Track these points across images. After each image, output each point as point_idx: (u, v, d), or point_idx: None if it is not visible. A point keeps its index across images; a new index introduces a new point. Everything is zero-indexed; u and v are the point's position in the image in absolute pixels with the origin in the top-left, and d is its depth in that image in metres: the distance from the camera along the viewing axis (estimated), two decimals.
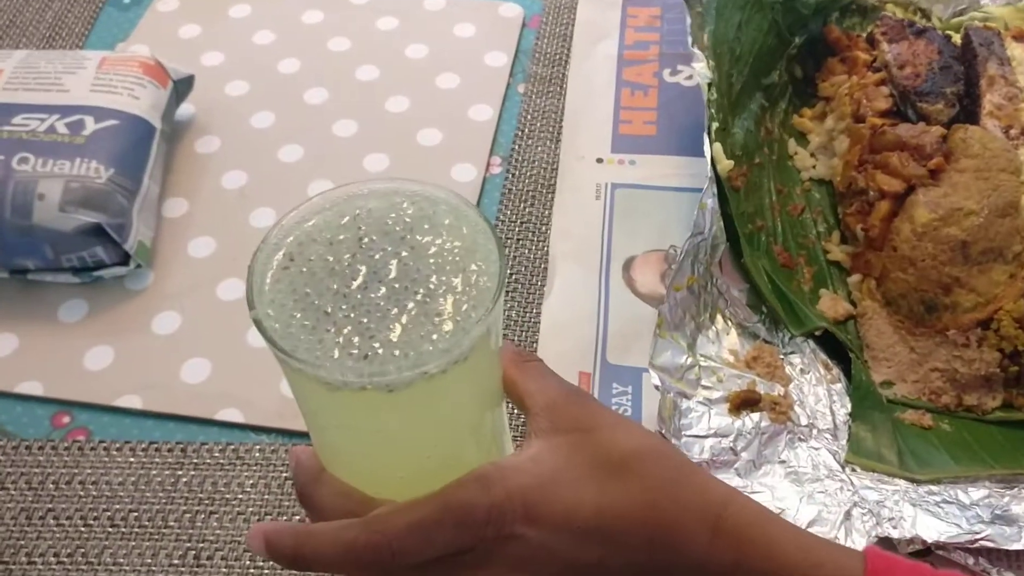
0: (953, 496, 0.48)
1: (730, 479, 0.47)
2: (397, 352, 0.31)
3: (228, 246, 0.60)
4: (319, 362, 0.31)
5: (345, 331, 0.32)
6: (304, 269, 0.34)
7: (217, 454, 0.50)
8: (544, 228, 0.61)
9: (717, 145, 0.56)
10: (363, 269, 0.34)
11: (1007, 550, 0.46)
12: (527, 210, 0.62)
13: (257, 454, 0.50)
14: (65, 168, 0.55)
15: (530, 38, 0.73)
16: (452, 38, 0.73)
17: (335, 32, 0.73)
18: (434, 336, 0.32)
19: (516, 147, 0.66)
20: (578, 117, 0.67)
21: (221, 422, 0.52)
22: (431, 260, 0.34)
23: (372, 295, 0.33)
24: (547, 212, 0.62)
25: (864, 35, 0.68)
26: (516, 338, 0.56)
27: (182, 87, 0.65)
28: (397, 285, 0.33)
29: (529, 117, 0.68)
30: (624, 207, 0.62)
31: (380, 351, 0.31)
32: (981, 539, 0.45)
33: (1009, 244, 0.54)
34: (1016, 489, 0.48)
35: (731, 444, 0.48)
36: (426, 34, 0.73)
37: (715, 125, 0.57)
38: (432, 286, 0.33)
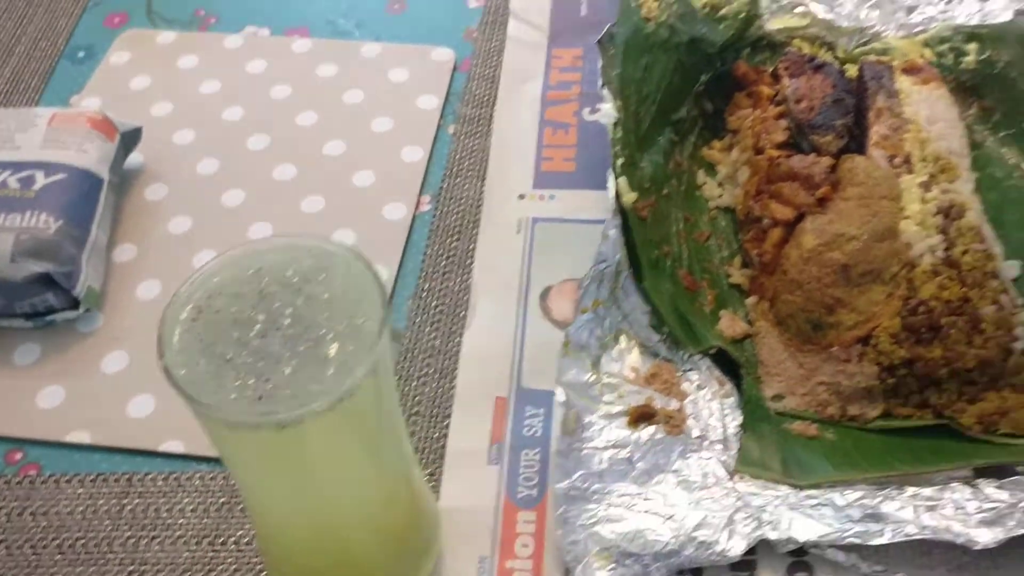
0: (829, 499, 0.52)
1: (627, 487, 0.52)
2: (287, 392, 0.36)
3: (174, 288, 0.62)
4: (218, 404, 0.36)
5: (243, 376, 0.37)
6: (210, 320, 0.38)
7: (160, 482, 0.55)
8: (468, 261, 0.66)
9: (622, 179, 0.61)
10: (262, 318, 0.38)
11: (876, 548, 0.51)
12: (453, 245, 0.67)
13: (197, 481, 0.55)
14: (16, 221, 0.60)
15: (461, 81, 0.78)
16: (387, 83, 0.78)
17: (277, 80, 0.78)
18: (320, 377, 0.36)
19: (445, 185, 0.71)
20: (503, 155, 0.72)
21: (164, 453, 0.56)
22: (323, 308, 0.38)
23: (269, 342, 0.38)
24: (472, 246, 0.66)
25: (770, 70, 0.73)
26: (438, 366, 0.60)
27: (130, 139, 0.70)
28: (291, 332, 0.38)
29: (458, 156, 0.72)
30: (544, 240, 0.67)
31: (273, 392, 0.36)
32: (848, 536, 0.50)
33: (887, 266, 0.58)
34: (887, 490, 0.52)
35: (628, 455, 0.53)
36: (362, 80, 0.78)
37: (620, 161, 0.62)
38: (322, 332, 0.38)
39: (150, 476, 0.55)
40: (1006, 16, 0.78)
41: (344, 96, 0.77)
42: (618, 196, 0.59)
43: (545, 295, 0.64)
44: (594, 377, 0.55)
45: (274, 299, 0.39)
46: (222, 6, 0.86)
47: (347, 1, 0.85)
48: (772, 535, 0.50)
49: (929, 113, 0.67)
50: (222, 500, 0.54)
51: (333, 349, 0.37)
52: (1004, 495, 0.52)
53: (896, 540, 0.50)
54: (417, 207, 0.69)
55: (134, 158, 0.71)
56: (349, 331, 0.38)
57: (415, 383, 0.60)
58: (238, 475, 0.43)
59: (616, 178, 0.60)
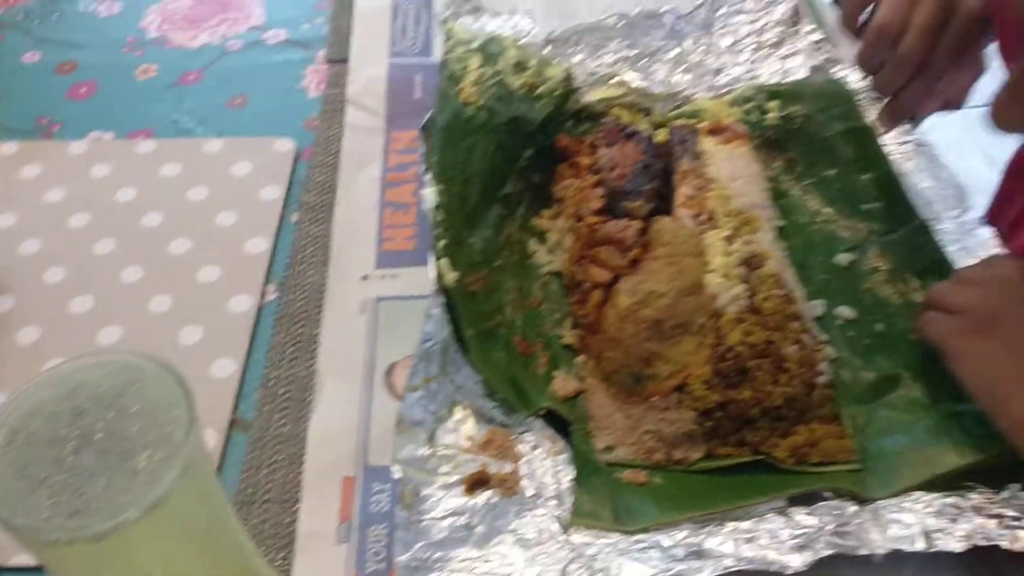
0: (656, 541, 0.56)
1: (467, 552, 0.54)
2: (100, 506, 0.38)
3: None
4: (32, 524, 0.38)
5: (58, 493, 0.38)
6: (25, 442, 0.40)
7: None
8: (314, 346, 0.68)
9: (443, 260, 0.64)
10: (76, 435, 0.40)
11: None
12: (299, 331, 0.69)
13: None
14: None
15: (303, 169, 0.81)
16: (230, 177, 0.80)
17: (122, 183, 0.80)
18: (131, 487, 0.39)
19: (289, 273, 0.73)
20: (345, 239, 0.75)
21: (14, 567, 0.57)
22: (134, 420, 0.41)
23: (83, 458, 0.40)
24: (317, 331, 0.69)
25: (590, 140, 0.78)
26: (288, 452, 0.62)
27: None
28: (104, 446, 0.40)
29: (302, 244, 0.75)
30: (387, 318, 0.70)
31: (87, 506, 0.38)
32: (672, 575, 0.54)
33: (695, 318, 0.63)
34: (710, 527, 0.57)
35: (466, 521, 0.56)
36: (206, 176, 0.80)
37: (442, 243, 0.65)
38: (133, 443, 0.40)
39: None
40: (804, 73, 0.86)
41: (188, 193, 0.79)
42: (440, 276, 0.63)
43: (390, 372, 0.67)
44: (430, 451, 0.58)
45: (87, 415, 0.41)
46: (66, 113, 0.88)
47: (189, 99, 0.88)
48: None
49: (731, 171, 0.73)
50: None
51: (143, 459, 0.39)
52: (813, 520, 0.57)
53: (716, 574, 0.54)
54: (263, 297, 0.72)
55: None
56: (159, 440, 0.40)
57: (265, 471, 0.62)
58: None
59: (437, 260, 0.63)
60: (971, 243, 0.71)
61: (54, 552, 0.39)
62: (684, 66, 0.87)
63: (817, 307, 0.70)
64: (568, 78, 0.78)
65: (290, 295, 0.72)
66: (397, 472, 0.56)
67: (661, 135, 0.77)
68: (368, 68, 0.89)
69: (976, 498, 0.58)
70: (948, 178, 0.75)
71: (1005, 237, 0.69)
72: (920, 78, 0.71)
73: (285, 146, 0.83)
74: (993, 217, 0.75)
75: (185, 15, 0.96)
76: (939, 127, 0.80)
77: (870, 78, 0.75)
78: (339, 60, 0.92)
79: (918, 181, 0.76)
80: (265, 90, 0.89)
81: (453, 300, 0.64)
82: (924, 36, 0.68)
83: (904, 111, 0.75)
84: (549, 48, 0.85)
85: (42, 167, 0.82)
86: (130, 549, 0.40)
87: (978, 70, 0.73)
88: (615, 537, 0.56)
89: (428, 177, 0.67)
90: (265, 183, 0.80)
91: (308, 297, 0.72)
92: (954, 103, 0.75)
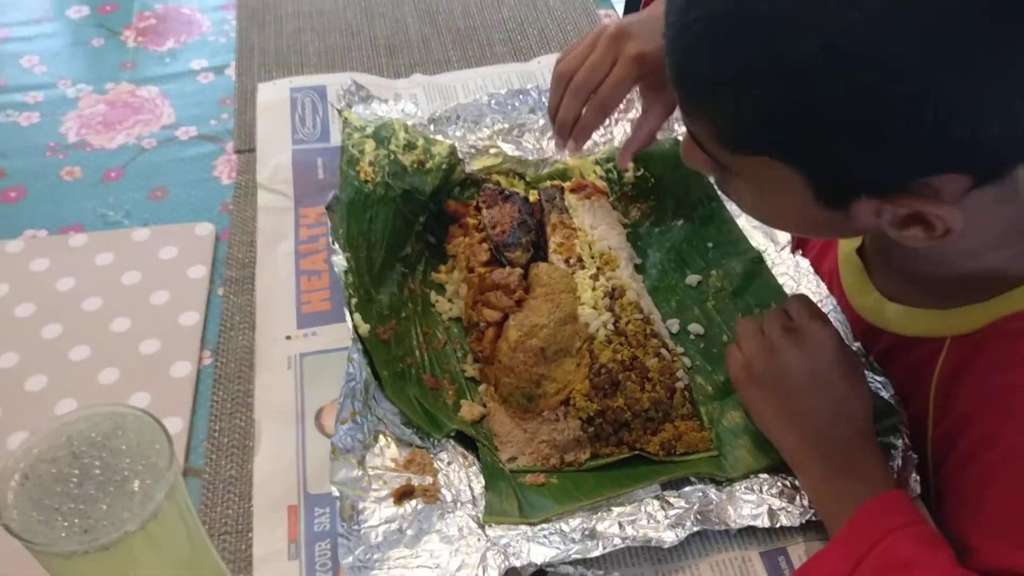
0: (557, 528, 0.68)
1: (400, 551, 0.65)
2: (106, 522, 0.48)
3: None
4: (53, 543, 0.47)
5: (70, 517, 0.48)
6: (35, 482, 0.50)
7: None
8: (250, 400, 0.78)
9: (357, 315, 0.76)
10: (77, 472, 0.50)
11: (596, 558, 0.67)
12: (236, 388, 0.80)
13: None
14: None
15: (223, 249, 0.92)
16: (159, 261, 0.90)
17: (61, 274, 0.89)
18: (130, 506, 0.49)
19: (221, 339, 0.84)
20: (268, 306, 0.86)
21: None
22: (124, 456, 0.51)
23: (86, 489, 0.50)
24: (251, 387, 0.79)
25: (475, 203, 0.91)
26: (237, 492, 0.72)
27: None
28: (102, 478, 0.50)
29: (229, 313, 0.86)
30: (311, 370, 0.81)
31: (95, 525, 0.48)
32: (573, 554, 0.65)
33: (572, 343, 0.76)
34: (599, 514, 0.69)
35: (398, 526, 0.67)
36: (137, 262, 0.90)
37: (355, 300, 0.77)
38: (126, 473, 0.50)
39: None
40: None
41: (123, 278, 0.89)
42: (355, 328, 0.75)
43: (319, 415, 0.78)
44: (361, 472, 0.69)
45: (84, 456, 0.51)
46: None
47: (113, 195, 0.98)
48: (516, 563, 0.65)
49: (592, 220, 0.87)
50: None
51: (136, 484, 0.50)
52: (682, 502, 0.70)
53: (607, 551, 0.66)
54: (200, 362, 0.82)
55: None
56: (146, 469, 0.50)
57: (220, 509, 0.71)
58: None
59: (351, 314, 0.75)
60: (794, 271, 0.87)
61: (70, 564, 0.49)
62: (549, 134, 1.01)
63: (674, 325, 0.84)
64: (453, 152, 0.92)
65: (224, 358, 0.82)
66: (335, 492, 0.67)
67: (533, 195, 0.91)
68: (274, 155, 1.00)
69: None
70: None
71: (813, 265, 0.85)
72: (592, 106, 0.84)
73: (205, 230, 0.94)
74: (798, 247, 0.90)
75: (101, 120, 1.06)
76: None
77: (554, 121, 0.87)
78: (247, 150, 1.03)
79: (751, 220, 0.92)
80: (182, 181, 0.99)
81: (368, 347, 0.75)
82: (590, 71, 0.83)
83: (584, 134, 0.87)
84: (432, 126, 0.98)
85: None
86: (131, 557, 0.50)
87: (661, 115, 0.88)
88: (523, 528, 0.68)
89: (336, 247, 0.79)
90: (191, 263, 0.90)
91: (240, 358, 0.82)
92: (646, 142, 0.89)
